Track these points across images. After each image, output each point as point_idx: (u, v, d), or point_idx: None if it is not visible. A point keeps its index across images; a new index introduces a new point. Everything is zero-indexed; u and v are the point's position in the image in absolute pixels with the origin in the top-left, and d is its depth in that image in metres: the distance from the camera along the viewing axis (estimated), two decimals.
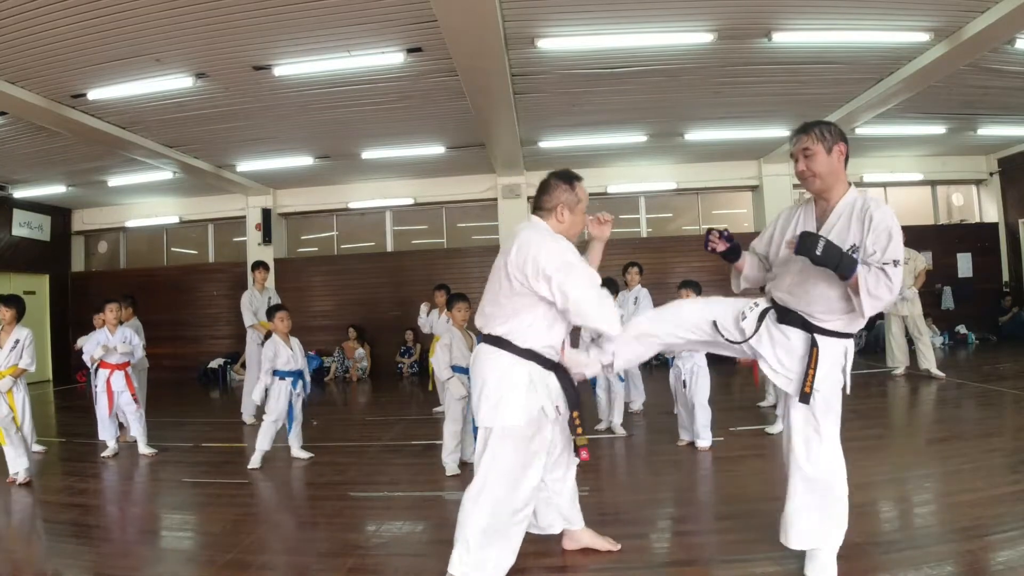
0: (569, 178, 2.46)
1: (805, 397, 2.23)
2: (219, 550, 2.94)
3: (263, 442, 4.50)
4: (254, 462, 4.45)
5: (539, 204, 2.48)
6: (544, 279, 2.22)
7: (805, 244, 2.11)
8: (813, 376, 2.22)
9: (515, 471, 2.28)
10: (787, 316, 2.31)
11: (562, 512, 2.65)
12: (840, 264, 2.09)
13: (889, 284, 2.08)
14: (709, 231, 2.49)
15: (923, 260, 7.09)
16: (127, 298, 6.01)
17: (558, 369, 2.38)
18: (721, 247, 2.48)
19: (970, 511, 2.58)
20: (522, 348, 2.29)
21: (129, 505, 3.96)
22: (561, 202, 2.41)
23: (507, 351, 2.30)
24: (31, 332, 4.41)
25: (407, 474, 4.29)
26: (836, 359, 2.27)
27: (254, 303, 6.44)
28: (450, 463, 4.08)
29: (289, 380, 4.64)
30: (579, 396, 2.44)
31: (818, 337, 2.25)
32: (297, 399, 4.69)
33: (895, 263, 2.10)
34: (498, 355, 2.32)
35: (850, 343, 2.31)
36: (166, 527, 3.53)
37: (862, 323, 2.26)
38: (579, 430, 2.38)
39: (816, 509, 2.28)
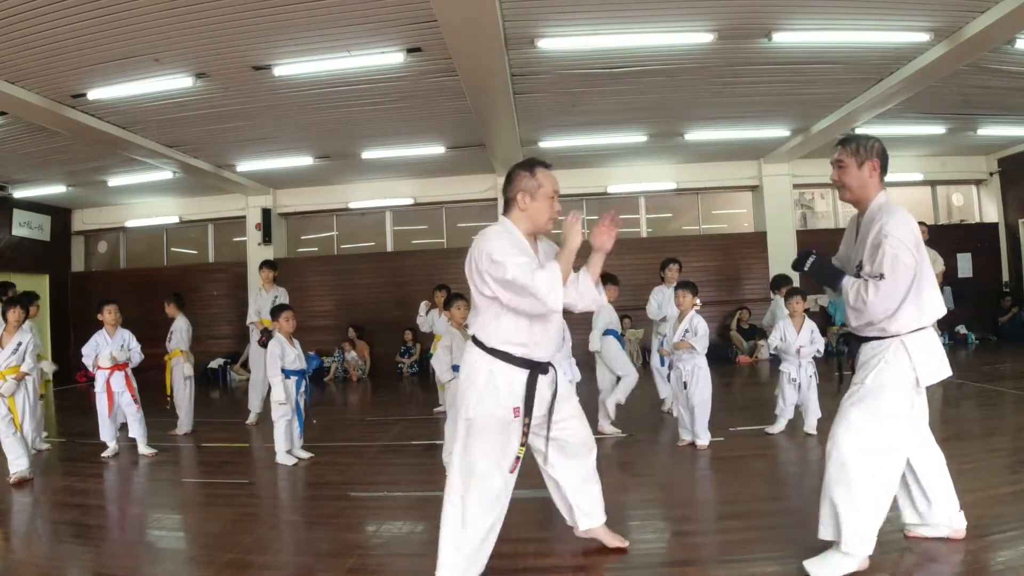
0: (530, 165, 2.42)
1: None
2: (219, 550, 2.94)
3: (281, 443, 4.52)
4: (287, 461, 4.47)
5: (505, 197, 2.46)
6: (479, 276, 2.27)
7: (798, 262, 2.29)
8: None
9: (475, 463, 2.29)
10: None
11: (583, 508, 2.63)
12: (827, 279, 2.27)
13: (864, 296, 2.19)
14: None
15: (940, 263, 7.04)
16: (174, 296, 6.02)
17: (534, 369, 2.34)
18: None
19: (970, 511, 2.57)
20: (487, 346, 2.33)
21: (129, 505, 3.96)
22: (521, 189, 2.38)
23: (477, 347, 2.36)
24: (32, 336, 4.41)
25: (407, 474, 4.29)
26: (869, 359, 2.33)
27: (258, 302, 6.46)
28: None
29: (295, 379, 4.66)
30: (541, 403, 2.38)
31: (861, 344, 2.37)
32: (300, 398, 4.70)
33: (880, 276, 2.16)
34: (470, 351, 2.39)
35: (892, 344, 2.29)
36: (166, 527, 3.52)
37: (901, 325, 2.26)
38: (523, 438, 2.32)
39: (833, 498, 2.26)
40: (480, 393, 2.30)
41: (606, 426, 4.95)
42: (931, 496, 2.49)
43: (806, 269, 2.37)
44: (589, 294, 2.39)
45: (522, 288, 2.17)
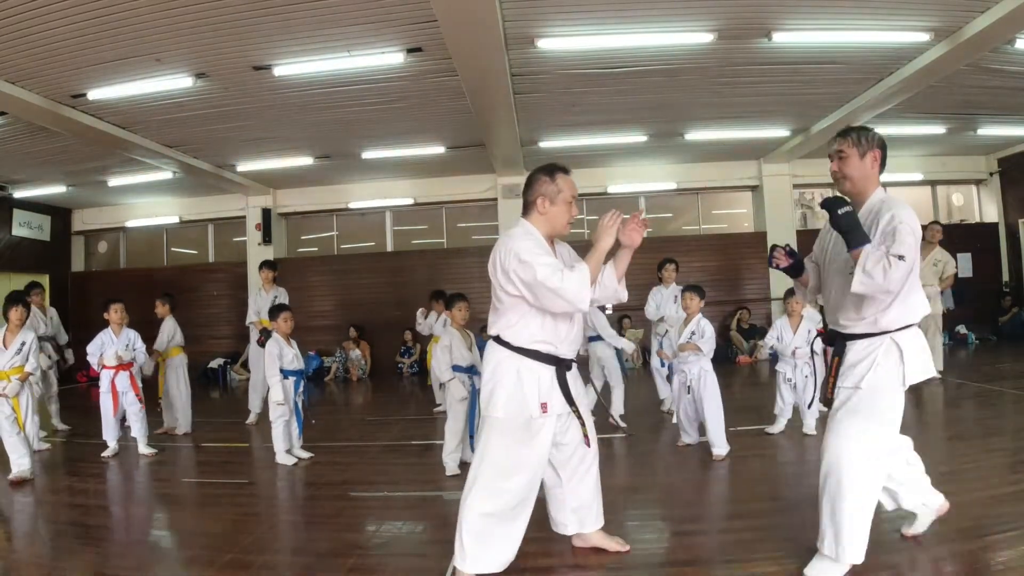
0: (550, 170, 2.47)
1: (827, 401, 2.39)
2: (219, 550, 2.94)
3: (280, 444, 4.52)
4: (287, 461, 4.48)
5: (524, 200, 2.51)
6: (506, 276, 2.31)
7: (832, 203, 2.23)
8: (832, 382, 2.36)
9: (501, 462, 2.34)
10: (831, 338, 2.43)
11: (577, 514, 2.64)
12: (854, 232, 2.20)
13: (887, 269, 2.15)
14: (774, 248, 2.53)
15: (953, 264, 7.04)
16: (167, 296, 6.01)
17: (560, 365, 2.41)
18: (784, 263, 2.52)
19: (970, 511, 2.58)
20: (514, 346, 2.38)
21: (129, 505, 3.97)
22: (541, 194, 2.44)
23: (502, 347, 2.40)
24: (35, 335, 4.42)
25: (407, 474, 4.29)
26: (860, 359, 2.29)
27: (257, 302, 6.47)
28: (450, 463, 4.07)
29: (293, 379, 4.66)
30: (581, 394, 2.49)
31: (848, 343, 2.35)
32: (299, 398, 4.70)
33: (900, 257, 2.15)
34: (496, 350, 2.42)
35: (883, 343, 2.28)
36: (166, 527, 3.53)
37: (891, 320, 2.27)
38: (580, 420, 2.46)
39: (836, 512, 2.24)
40: (508, 391, 2.35)
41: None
42: (900, 480, 2.50)
43: (840, 213, 2.25)
44: (612, 290, 2.50)
45: (551, 289, 2.22)
